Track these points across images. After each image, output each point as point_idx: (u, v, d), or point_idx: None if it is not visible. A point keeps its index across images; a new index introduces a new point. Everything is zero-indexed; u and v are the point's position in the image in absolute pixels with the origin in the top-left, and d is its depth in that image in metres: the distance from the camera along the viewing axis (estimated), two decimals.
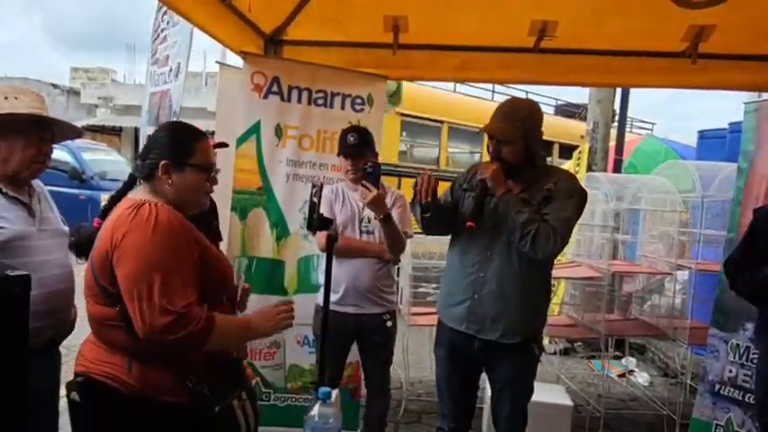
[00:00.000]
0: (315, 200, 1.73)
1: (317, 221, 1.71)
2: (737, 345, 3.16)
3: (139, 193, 1.59)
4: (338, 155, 2.79)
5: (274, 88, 3.16)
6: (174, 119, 3.00)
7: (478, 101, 9.82)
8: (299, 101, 3.20)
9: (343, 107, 3.27)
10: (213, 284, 1.57)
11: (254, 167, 3.17)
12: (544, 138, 2.31)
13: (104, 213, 1.61)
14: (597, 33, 3.17)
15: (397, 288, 4.36)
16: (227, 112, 3.34)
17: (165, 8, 3.25)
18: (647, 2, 2.93)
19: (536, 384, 2.43)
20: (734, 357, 3.17)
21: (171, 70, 3.21)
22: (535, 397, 2.52)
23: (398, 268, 4.28)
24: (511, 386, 2.31)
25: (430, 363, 4.54)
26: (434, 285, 5.00)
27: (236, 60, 3.25)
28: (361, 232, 2.74)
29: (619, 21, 3.05)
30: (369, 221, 2.72)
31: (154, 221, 1.47)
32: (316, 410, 1.39)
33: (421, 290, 4.74)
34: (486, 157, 2.31)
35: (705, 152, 5.87)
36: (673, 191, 4.24)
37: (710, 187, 4.01)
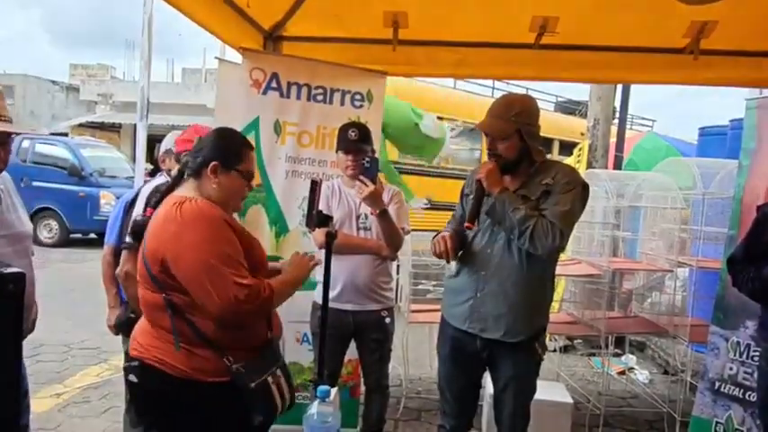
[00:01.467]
0: (313, 197, 1.72)
1: (315, 218, 1.70)
2: (738, 342, 3.15)
3: (185, 190, 1.72)
4: (337, 151, 2.77)
5: (273, 84, 3.14)
6: (144, 112, 3.05)
7: (478, 97, 9.80)
8: (299, 97, 3.19)
9: (342, 103, 3.26)
10: (254, 265, 1.69)
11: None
12: (544, 135, 2.30)
13: (156, 205, 1.74)
14: (598, 29, 3.16)
15: (397, 285, 4.36)
16: (226, 109, 3.32)
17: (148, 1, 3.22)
18: None
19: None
20: (734, 355, 3.16)
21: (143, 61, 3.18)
22: (535, 395, 2.52)
23: (398, 265, 4.28)
24: (514, 385, 2.29)
25: (429, 360, 4.55)
26: (434, 282, 5.00)
27: (236, 57, 3.24)
28: (358, 229, 2.72)
29: (620, 16, 3.04)
30: (366, 218, 2.70)
31: (202, 217, 1.61)
32: (314, 409, 1.38)
33: (420, 287, 4.74)
34: (487, 156, 2.30)
35: (706, 149, 5.85)
36: (673, 188, 4.22)
37: (711, 184, 3.99)
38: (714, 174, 4.04)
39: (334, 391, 1.40)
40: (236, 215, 3.02)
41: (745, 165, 3.33)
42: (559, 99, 12.36)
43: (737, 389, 3.12)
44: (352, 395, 3.33)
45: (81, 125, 18.30)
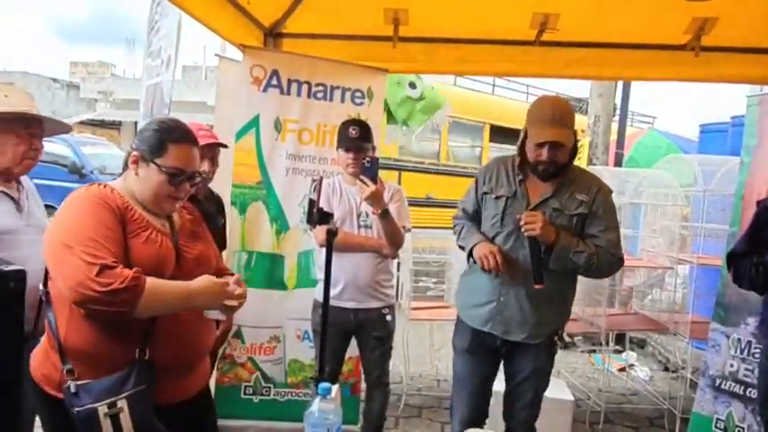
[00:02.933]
0: (314, 194, 1.72)
1: (316, 216, 1.69)
2: (739, 339, 3.15)
3: (116, 180, 1.64)
4: (337, 148, 2.77)
5: (274, 81, 3.13)
6: (166, 111, 2.99)
7: (479, 94, 9.79)
8: (299, 94, 3.18)
9: (342, 100, 3.25)
10: (141, 265, 1.46)
11: (254, 161, 3.15)
12: None
13: None
14: (599, 26, 3.15)
15: (398, 283, 4.36)
16: (227, 106, 3.32)
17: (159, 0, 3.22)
18: None
19: None
20: (735, 352, 3.16)
21: (162, 62, 3.18)
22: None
23: (398, 263, 4.28)
24: (533, 378, 2.33)
25: (430, 357, 4.56)
26: (435, 280, 5.01)
27: (236, 54, 3.23)
28: (359, 227, 2.72)
29: (621, 13, 3.03)
30: (367, 216, 2.70)
31: (77, 198, 1.50)
32: (316, 406, 1.38)
33: (421, 284, 4.74)
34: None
35: (707, 146, 5.84)
36: (674, 185, 4.23)
37: (712, 181, 3.99)
38: (715, 171, 4.04)
39: (335, 388, 1.40)
40: (237, 212, 3.08)
41: (747, 161, 3.33)
42: (560, 96, 12.34)
43: (738, 386, 3.12)
44: (353, 392, 3.34)
45: (81, 122, 18.29)
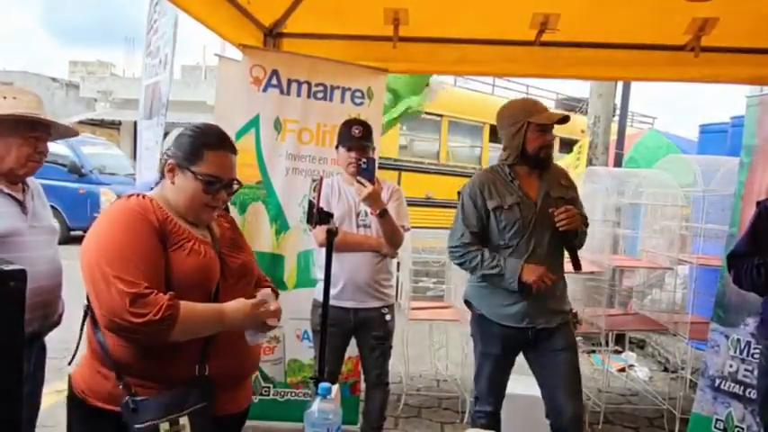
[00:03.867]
0: (314, 194, 1.72)
1: (316, 216, 1.69)
2: (738, 340, 3.15)
3: (155, 190, 1.58)
4: (336, 147, 2.77)
5: (273, 81, 3.13)
6: (164, 111, 2.99)
7: (478, 95, 9.80)
8: (299, 94, 3.18)
9: (342, 100, 3.25)
10: (185, 278, 1.46)
11: (254, 161, 3.15)
12: None
13: None
14: (599, 26, 3.15)
15: (397, 282, 4.37)
16: (226, 106, 3.31)
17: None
18: None
19: (525, 378, 2.49)
20: (735, 352, 3.16)
21: (160, 62, 3.18)
22: (535, 392, 2.54)
23: (398, 263, 4.28)
24: (569, 348, 2.48)
25: (430, 357, 4.56)
26: (434, 280, 5.01)
27: (236, 53, 3.23)
28: (358, 226, 2.72)
29: (621, 13, 3.03)
30: (366, 215, 2.70)
31: (115, 210, 1.46)
32: (316, 406, 1.38)
33: (420, 284, 4.74)
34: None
35: (707, 146, 5.85)
36: (674, 185, 4.23)
37: (712, 181, 3.99)
38: (715, 171, 4.04)
39: (335, 388, 1.40)
40: (236, 211, 3.08)
41: (747, 162, 3.33)
42: (560, 96, 12.33)
43: (738, 386, 3.13)
44: (353, 392, 3.34)
45: (81, 122, 18.27)
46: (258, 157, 3.15)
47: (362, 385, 3.10)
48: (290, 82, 3.16)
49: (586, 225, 2.54)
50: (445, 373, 4.50)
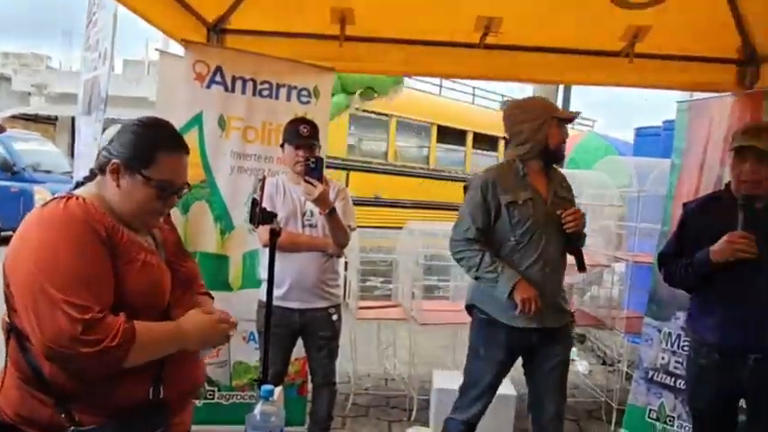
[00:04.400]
0: (257, 193, 1.69)
1: (259, 215, 1.67)
2: (669, 333, 3.30)
3: (85, 187, 1.40)
4: (282, 146, 2.74)
5: (217, 78, 3.06)
6: (102, 106, 2.86)
7: (426, 95, 9.89)
8: (244, 92, 3.12)
9: (288, 99, 3.22)
10: (138, 295, 1.32)
11: (197, 160, 3.06)
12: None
13: None
14: (541, 31, 3.24)
15: (345, 282, 4.36)
16: (168, 102, 3.21)
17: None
18: (588, 1, 3.02)
19: None
20: (666, 345, 3.31)
21: (100, 55, 3.06)
22: (501, 390, 2.58)
23: (346, 262, 4.28)
24: (566, 353, 2.52)
25: (378, 356, 4.57)
26: (382, 279, 5.02)
27: (180, 49, 3.14)
28: (303, 226, 2.70)
29: (560, 19, 3.13)
30: (312, 215, 2.68)
31: (54, 216, 1.26)
32: (258, 409, 1.36)
33: (368, 284, 4.75)
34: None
35: (642, 148, 6.11)
36: (611, 186, 4.39)
37: (647, 182, 4.17)
38: (649, 172, 4.22)
39: (278, 390, 1.38)
40: (179, 211, 2.99)
41: (677, 164, 3.50)
42: (505, 98, 12.59)
43: (669, 377, 3.28)
44: (300, 393, 3.31)
45: (14, 117, 17.33)
46: (202, 155, 3.07)
47: (310, 386, 3.07)
48: (234, 79, 3.10)
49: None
50: (393, 372, 4.53)
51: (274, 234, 1.64)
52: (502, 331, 2.40)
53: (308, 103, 3.24)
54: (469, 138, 9.84)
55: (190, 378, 1.45)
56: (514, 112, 2.50)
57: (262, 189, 1.72)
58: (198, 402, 3.11)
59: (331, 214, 2.54)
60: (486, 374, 2.47)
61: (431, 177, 9.24)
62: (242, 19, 3.26)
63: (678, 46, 3.32)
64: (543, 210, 2.38)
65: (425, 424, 3.49)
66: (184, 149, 1.45)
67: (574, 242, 2.42)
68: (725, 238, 2.13)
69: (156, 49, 3.41)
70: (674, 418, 3.25)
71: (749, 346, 2.15)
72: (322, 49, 3.31)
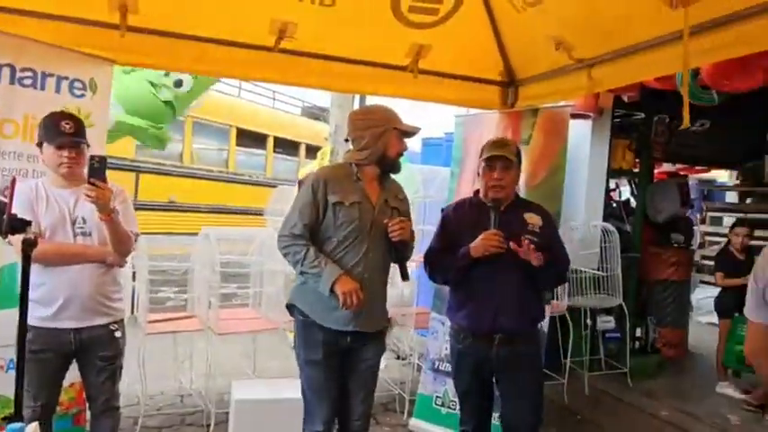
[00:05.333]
0: (5, 198, 1.45)
1: (8, 223, 1.43)
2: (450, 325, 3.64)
3: None
4: (39, 144, 2.39)
5: None
6: None
7: (225, 97, 9.57)
8: None
9: (58, 90, 2.85)
10: None
11: None
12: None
13: None
14: (333, 40, 3.33)
15: (133, 294, 3.99)
16: None
17: None
18: (378, 17, 3.19)
19: (272, 381, 2.48)
20: (448, 336, 3.64)
21: None
22: (269, 394, 2.57)
23: (134, 272, 3.92)
24: (376, 362, 2.58)
25: (174, 372, 4.27)
26: (176, 289, 4.71)
27: None
28: (75, 235, 2.39)
29: (353, 31, 3.26)
30: (84, 222, 2.39)
31: None
32: None
33: (160, 294, 4.42)
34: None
35: (428, 157, 6.68)
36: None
37: (431, 188, 4.56)
38: (433, 179, 4.63)
39: (31, 427, 1.20)
40: None
41: (456, 172, 3.90)
42: (306, 104, 12.78)
43: (450, 365, 3.60)
44: (77, 423, 2.95)
45: None
46: None
47: (88, 414, 2.74)
48: None
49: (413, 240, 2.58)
50: (190, 387, 4.27)
51: (28, 244, 1.42)
52: (319, 332, 2.42)
53: (82, 96, 2.90)
54: (270, 142, 9.76)
55: None
56: (359, 117, 2.55)
57: (11, 192, 1.47)
58: None
59: (113, 219, 2.30)
60: (312, 376, 2.47)
61: (230, 181, 8.96)
62: None
63: (454, 66, 3.69)
64: (371, 216, 2.42)
65: None
66: None
67: (399, 252, 2.44)
68: (481, 236, 2.47)
69: None
70: (455, 402, 3.59)
71: (496, 329, 2.51)
72: (100, 38, 2.96)
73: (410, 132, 2.53)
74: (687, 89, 2.44)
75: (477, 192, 2.69)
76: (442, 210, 2.82)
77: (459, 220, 2.67)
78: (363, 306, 2.33)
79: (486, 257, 2.45)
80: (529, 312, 2.60)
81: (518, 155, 2.61)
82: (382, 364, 5.07)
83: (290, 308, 2.54)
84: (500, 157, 2.53)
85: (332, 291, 2.31)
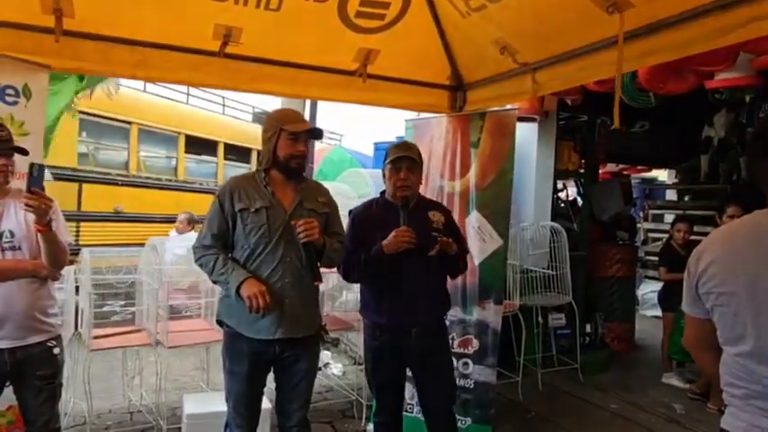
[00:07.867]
0: None
1: None
2: None
3: None
4: None
5: None
6: None
7: (173, 103, 9.34)
8: None
9: None
10: None
11: None
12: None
13: None
14: (281, 45, 3.29)
15: (76, 309, 3.82)
16: None
17: None
18: (325, 22, 3.18)
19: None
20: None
21: None
22: (222, 407, 2.55)
23: (77, 286, 3.76)
24: (311, 367, 2.57)
25: (123, 389, 4.12)
26: (122, 302, 4.54)
27: None
28: (3, 250, 2.28)
29: (299, 36, 3.23)
30: (11, 235, 2.28)
31: None
32: None
33: (106, 308, 4.26)
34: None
35: (380, 161, 6.67)
36: (353, 195, 4.71)
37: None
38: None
39: None
40: None
41: None
42: (257, 110, 12.60)
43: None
44: None
45: None
46: None
47: None
48: None
49: (341, 243, 2.55)
50: (139, 403, 4.12)
51: None
52: (245, 344, 2.41)
53: (15, 103, 2.77)
54: (221, 148, 9.57)
55: None
56: (263, 123, 2.57)
57: None
58: None
59: (51, 230, 2.20)
60: (238, 389, 2.45)
61: (180, 189, 8.74)
62: None
63: (402, 70, 3.72)
64: (282, 219, 2.40)
65: None
66: None
67: (311, 252, 2.38)
68: (393, 233, 2.56)
69: None
70: (413, 405, 3.60)
71: (413, 323, 2.65)
72: (34, 43, 2.83)
73: (300, 133, 2.41)
74: (619, 92, 2.55)
75: (383, 193, 2.84)
76: (350, 212, 2.88)
77: (369, 219, 2.75)
78: (272, 309, 2.31)
79: (398, 254, 2.55)
80: (441, 303, 2.84)
81: (420, 158, 2.76)
82: (340, 371, 5.12)
83: (220, 323, 2.53)
84: (406, 158, 2.66)
85: (238, 295, 2.30)
